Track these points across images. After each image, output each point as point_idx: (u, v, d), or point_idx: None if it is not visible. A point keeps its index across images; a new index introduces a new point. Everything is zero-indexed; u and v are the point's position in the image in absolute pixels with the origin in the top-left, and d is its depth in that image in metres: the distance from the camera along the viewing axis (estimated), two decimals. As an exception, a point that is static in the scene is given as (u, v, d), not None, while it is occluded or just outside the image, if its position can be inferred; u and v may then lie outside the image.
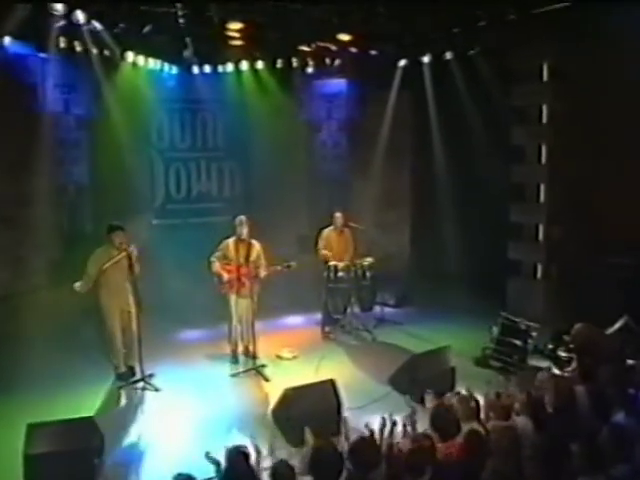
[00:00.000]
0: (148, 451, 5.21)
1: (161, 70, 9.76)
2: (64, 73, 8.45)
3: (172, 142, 10.55)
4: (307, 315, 8.44)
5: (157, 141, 10.45)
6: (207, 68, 9.99)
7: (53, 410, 5.57)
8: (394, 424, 4.91)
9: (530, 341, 6.64)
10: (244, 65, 9.90)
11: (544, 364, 6.64)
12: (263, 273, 6.83)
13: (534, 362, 6.77)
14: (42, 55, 8.06)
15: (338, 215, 7.89)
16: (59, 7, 6.83)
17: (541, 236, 8.47)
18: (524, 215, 8.54)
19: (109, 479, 4.80)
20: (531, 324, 6.78)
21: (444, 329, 7.98)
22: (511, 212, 8.60)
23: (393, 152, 9.85)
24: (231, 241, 6.94)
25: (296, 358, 7.18)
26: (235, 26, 7.78)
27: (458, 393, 5.83)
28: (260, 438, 4.96)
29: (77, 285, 6.11)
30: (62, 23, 7.33)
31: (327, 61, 9.51)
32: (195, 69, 9.95)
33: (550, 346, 6.65)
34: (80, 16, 7.10)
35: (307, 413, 5.14)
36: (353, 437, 4.55)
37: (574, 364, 6.09)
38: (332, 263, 7.59)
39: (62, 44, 7.95)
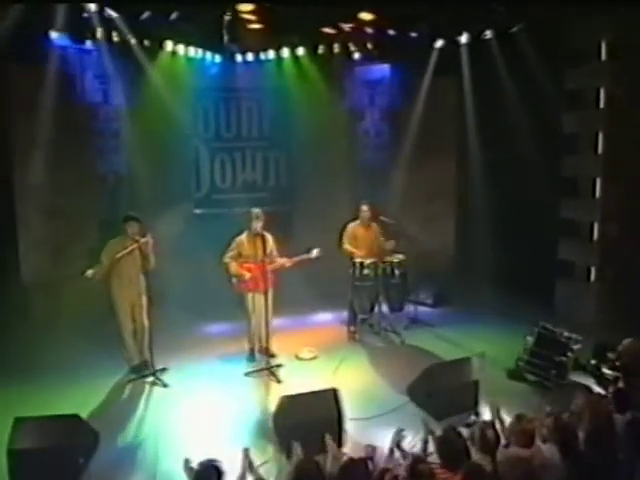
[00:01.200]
0: (141, 450, 4.98)
1: (203, 59, 9.49)
2: (103, 64, 8.34)
3: (218, 132, 10.28)
4: (337, 312, 7.96)
5: (203, 131, 10.21)
6: (250, 56, 9.63)
7: (59, 400, 5.60)
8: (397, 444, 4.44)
9: (570, 355, 5.81)
10: (285, 52, 9.47)
11: (588, 381, 5.88)
12: (288, 264, 6.49)
13: (576, 378, 5.99)
14: (80, 46, 7.99)
15: (365, 208, 7.30)
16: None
17: (596, 235, 7.51)
18: (577, 212, 7.61)
19: (97, 478, 4.59)
20: (573, 336, 5.96)
21: (480, 334, 7.29)
22: (562, 208, 7.69)
23: (437, 141, 9.10)
24: (245, 237, 6.60)
25: (315, 359, 6.75)
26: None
27: (477, 414, 5.26)
28: (257, 446, 4.69)
29: (89, 272, 5.93)
30: (100, 15, 7.25)
31: (368, 46, 8.90)
32: (238, 57, 9.62)
33: (593, 362, 5.81)
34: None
35: (304, 423, 4.73)
36: (344, 457, 4.15)
37: (620, 385, 5.30)
38: (358, 260, 7.04)
39: (99, 35, 7.85)
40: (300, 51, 9.38)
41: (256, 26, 8.06)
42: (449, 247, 9.52)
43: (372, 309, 7.22)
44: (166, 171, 9.10)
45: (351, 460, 3.93)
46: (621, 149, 6.98)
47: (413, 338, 7.31)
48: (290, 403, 4.90)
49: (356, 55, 9.16)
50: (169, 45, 8.74)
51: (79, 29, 7.65)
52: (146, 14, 7.52)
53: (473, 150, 8.64)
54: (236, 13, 7.61)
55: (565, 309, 7.68)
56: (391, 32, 7.85)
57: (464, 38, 7.96)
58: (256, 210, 6.60)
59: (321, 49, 9.21)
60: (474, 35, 7.72)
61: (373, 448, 4.25)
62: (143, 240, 6.08)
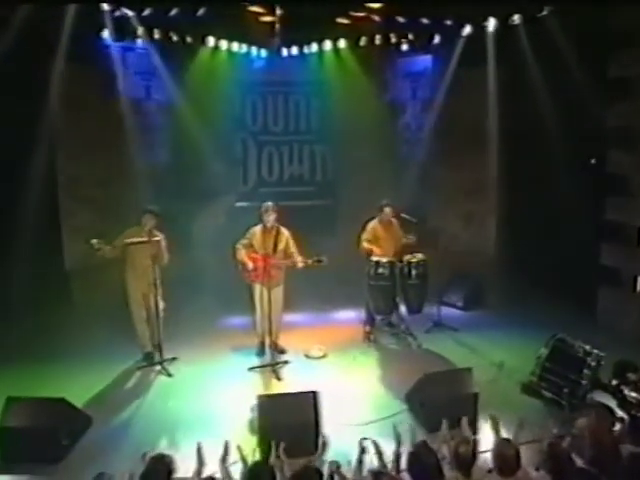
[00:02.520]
0: (132, 434, 5.08)
1: (248, 54, 9.46)
2: (146, 61, 8.55)
3: (265, 125, 10.26)
4: (359, 311, 7.62)
5: (251, 124, 10.22)
6: (294, 50, 9.49)
7: (69, 380, 5.86)
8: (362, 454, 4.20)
9: (587, 372, 5.18)
10: (328, 45, 9.23)
11: (612, 403, 5.23)
12: (300, 264, 6.32)
13: (600, 398, 5.34)
14: (123, 44, 8.20)
15: (387, 210, 7.01)
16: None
17: (643, 241, 6.69)
18: (624, 213, 6.81)
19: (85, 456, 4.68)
20: (594, 351, 5.33)
21: (508, 341, 6.80)
22: (607, 209, 6.91)
23: (479, 135, 8.51)
24: (258, 229, 6.51)
25: (324, 357, 6.54)
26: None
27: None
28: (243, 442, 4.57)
29: (94, 240, 6.03)
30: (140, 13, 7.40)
31: (409, 37, 8.45)
32: (284, 51, 9.50)
33: (614, 382, 5.14)
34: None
35: (279, 425, 4.58)
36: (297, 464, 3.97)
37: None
38: (374, 258, 6.73)
39: (141, 32, 8.02)
40: (342, 44, 9.12)
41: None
42: (489, 247, 8.90)
43: (389, 310, 6.83)
44: (209, 164, 9.18)
45: (305, 467, 3.75)
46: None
47: (432, 342, 6.91)
48: (267, 403, 4.73)
49: (398, 46, 8.73)
50: (211, 41, 8.79)
51: (122, 28, 7.82)
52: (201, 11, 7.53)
53: (517, 143, 7.93)
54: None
55: (607, 319, 6.94)
56: (425, 20, 7.33)
57: (491, 25, 7.20)
58: (267, 203, 6.48)
59: (363, 40, 8.90)
60: (502, 21, 7.01)
61: (337, 466, 4.01)
62: (155, 239, 6.14)
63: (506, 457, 3.71)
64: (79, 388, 5.72)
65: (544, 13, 6.37)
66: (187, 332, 7.10)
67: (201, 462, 4.07)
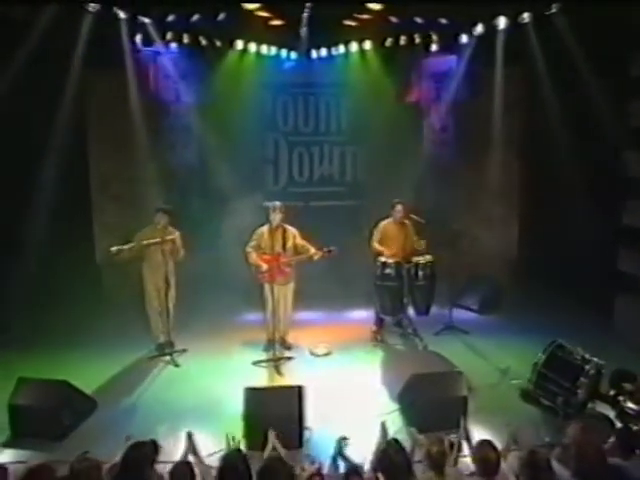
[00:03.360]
0: (134, 418, 5.43)
1: (278, 56, 9.72)
2: (175, 64, 8.97)
3: (296, 126, 10.49)
4: (371, 311, 7.74)
5: (282, 125, 10.48)
6: (323, 52, 9.68)
7: (83, 367, 6.28)
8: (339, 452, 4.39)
9: (583, 381, 5.09)
10: (354, 47, 9.37)
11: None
12: (316, 256, 6.55)
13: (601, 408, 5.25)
14: (153, 49, 8.63)
15: (399, 208, 7.05)
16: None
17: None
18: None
19: (85, 439, 5.04)
20: (594, 359, 5.22)
21: (515, 347, 6.72)
22: (624, 213, 6.70)
23: (502, 136, 8.40)
24: (265, 229, 6.74)
25: (329, 355, 6.70)
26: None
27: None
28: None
29: (113, 248, 6.43)
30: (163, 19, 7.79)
31: (433, 37, 8.46)
32: (314, 53, 9.71)
33: (612, 392, 5.05)
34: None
35: (265, 417, 4.79)
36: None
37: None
38: (382, 259, 6.81)
39: (170, 37, 8.42)
40: (367, 45, 9.23)
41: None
42: (511, 251, 8.76)
43: (396, 311, 6.90)
44: (238, 164, 9.47)
45: (274, 458, 3.94)
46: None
47: (440, 344, 6.92)
48: (253, 395, 4.95)
49: (422, 47, 8.75)
50: (239, 44, 9.10)
51: (151, 33, 8.23)
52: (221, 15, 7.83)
53: (537, 146, 7.81)
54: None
55: (624, 326, 6.75)
56: (443, 21, 7.35)
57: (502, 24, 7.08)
58: (275, 203, 6.69)
59: (388, 42, 8.98)
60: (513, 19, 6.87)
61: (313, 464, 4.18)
62: (168, 237, 6.47)
63: (487, 459, 3.77)
64: (93, 373, 6.18)
65: (553, 11, 6.23)
66: (202, 326, 7.46)
67: (189, 448, 4.36)
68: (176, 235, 6.70)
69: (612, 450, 4.06)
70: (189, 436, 4.44)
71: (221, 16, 7.54)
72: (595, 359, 5.24)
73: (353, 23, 7.74)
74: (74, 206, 8.22)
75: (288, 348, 6.83)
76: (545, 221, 8.04)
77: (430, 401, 5.03)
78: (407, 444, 4.10)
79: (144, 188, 8.86)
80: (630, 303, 6.83)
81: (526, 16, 6.70)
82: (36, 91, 7.00)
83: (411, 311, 7.09)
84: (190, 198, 9.66)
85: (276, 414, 4.81)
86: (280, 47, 9.55)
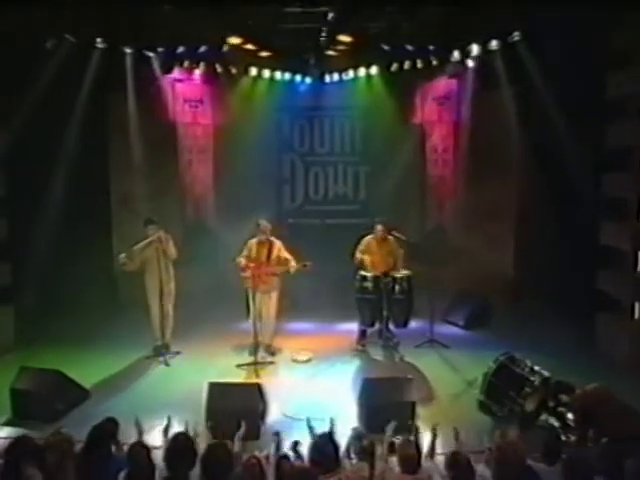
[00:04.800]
0: (120, 410, 5.95)
1: (292, 81, 10.49)
2: (193, 90, 9.96)
3: (312, 147, 11.23)
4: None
5: (299, 146, 11.24)
6: (335, 77, 10.40)
7: (87, 364, 7.14)
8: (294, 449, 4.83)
9: (528, 390, 5.44)
10: (362, 72, 10.04)
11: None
12: (292, 269, 7.24)
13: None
14: (173, 76, 9.61)
15: (379, 227, 7.61)
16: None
17: (640, 266, 6.68)
18: (618, 238, 6.84)
19: (74, 424, 5.80)
20: (540, 371, 5.55)
21: (490, 361, 6.95)
22: (601, 233, 6.98)
23: (499, 157, 8.79)
24: (254, 242, 7.45)
25: (309, 362, 7.27)
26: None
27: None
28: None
29: (121, 256, 7.33)
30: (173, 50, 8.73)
31: (433, 62, 9.01)
32: (327, 78, 10.45)
33: (551, 403, 5.37)
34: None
35: (226, 410, 5.38)
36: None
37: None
38: (362, 272, 7.37)
39: (187, 64, 9.35)
40: (374, 70, 9.87)
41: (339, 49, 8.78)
42: (508, 269, 9.06)
43: (373, 322, 7.42)
44: (253, 183, 10.26)
45: (216, 444, 4.49)
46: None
47: (417, 356, 7.36)
48: (216, 389, 5.59)
49: (424, 71, 9.31)
50: (253, 71, 9.95)
51: (169, 60, 9.18)
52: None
53: (534, 166, 8.18)
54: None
55: (603, 345, 7.01)
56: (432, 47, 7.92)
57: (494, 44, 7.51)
58: (263, 222, 7.40)
59: (394, 67, 9.58)
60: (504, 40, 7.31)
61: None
62: (155, 235, 7.34)
63: (408, 456, 4.25)
64: (94, 369, 7.03)
65: (516, 39, 6.68)
66: (200, 332, 8.21)
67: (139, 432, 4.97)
68: (161, 233, 7.41)
69: (541, 457, 4.42)
70: (136, 422, 4.99)
71: (225, 47, 8.38)
72: (542, 371, 5.56)
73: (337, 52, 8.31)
74: (96, 219, 9.24)
75: (272, 353, 7.47)
76: (538, 241, 8.33)
77: (379, 404, 5.49)
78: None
79: (160, 203, 9.77)
80: (608, 323, 7.05)
81: (494, 44, 7.16)
82: (63, 113, 8.09)
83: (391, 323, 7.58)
84: (203, 213, 10.58)
85: (236, 407, 5.42)
86: (294, 73, 10.36)
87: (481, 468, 4.25)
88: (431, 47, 8.04)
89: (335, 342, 7.92)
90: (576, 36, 6.49)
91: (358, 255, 7.57)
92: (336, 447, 4.36)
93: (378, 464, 4.40)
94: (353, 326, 8.34)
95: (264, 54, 8.63)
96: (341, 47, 8.19)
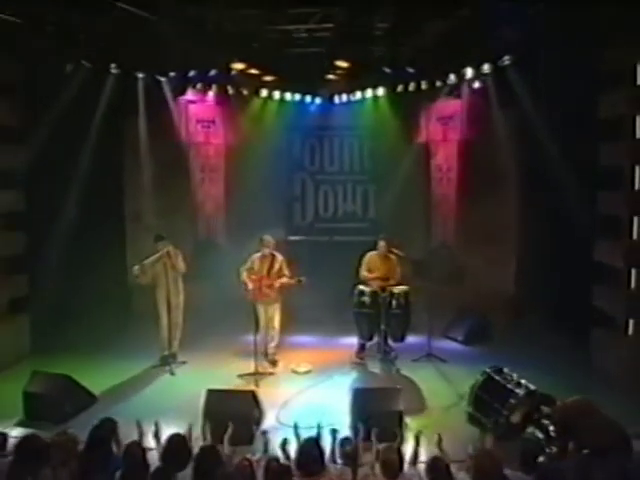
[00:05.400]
0: (125, 414, 6.28)
1: (302, 101, 10.91)
2: (205, 111, 10.45)
3: (322, 166, 11.61)
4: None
5: (309, 165, 11.64)
6: (344, 97, 10.81)
7: (99, 372, 7.59)
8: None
9: (512, 401, 5.65)
10: (369, 93, 10.41)
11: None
12: (278, 283, 7.68)
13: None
14: (186, 97, 10.12)
15: (382, 243, 7.97)
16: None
17: (633, 283, 6.86)
18: (612, 255, 7.05)
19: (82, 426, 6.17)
20: (525, 384, 5.77)
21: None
22: (595, 250, 7.19)
23: (500, 176, 9.09)
24: (257, 256, 7.85)
25: (308, 373, 7.58)
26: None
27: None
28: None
29: (135, 268, 7.83)
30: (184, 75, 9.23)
31: (437, 84, 9.36)
32: (336, 99, 10.87)
33: (535, 416, 5.56)
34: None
35: (221, 415, 5.69)
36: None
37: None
38: (360, 287, 7.69)
39: (199, 87, 9.85)
40: (380, 92, 10.25)
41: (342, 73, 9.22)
42: (509, 287, 9.29)
43: (370, 336, 7.73)
44: (263, 201, 10.65)
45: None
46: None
47: (414, 370, 7.62)
48: (214, 396, 5.93)
49: (429, 92, 9.66)
50: (264, 92, 10.41)
51: (181, 84, 9.69)
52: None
53: (528, 186, 8.45)
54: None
55: (598, 360, 7.18)
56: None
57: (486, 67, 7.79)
58: (267, 238, 7.80)
59: (399, 88, 9.95)
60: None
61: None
62: (164, 250, 7.78)
63: (389, 461, 4.53)
64: (104, 376, 7.47)
65: (506, 62, 7.01)
66: (208, 344, 8.61)
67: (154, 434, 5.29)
68: (170, 248, 7.84)
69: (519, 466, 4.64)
70: (138, 424, 5.34)
71: (233, 71, 8.85)
72: (528, 384, 5.77)
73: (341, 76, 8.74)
74: (110, 234, 9.74)
75: (274, 363, 7.83)
76: (538, 259, 8.56)
77: (368, 413, 5.76)
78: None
79: (172, 220, 10.24)
80: (603, 338, 7.23)
81: (486, 67, 7.51)
82: (80, 133, 8.64)
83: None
84: (213, 229, 11.02)
85: (231, 413, 5.74)
86: (304, 94, 10.80)
87: (462, 476, 4.49)
88: (429, 69, 8.35)
89: (336, 355, 8.23)
90: (567, 58, 6.80)
91: (364, 274, 7.95)
92: (321, 451, 4.63)
93: (362, 469, 4.68)
94: (354, 340, 8.71)
95: (269, 78, 9.02)
96: (344, 71, 8.54)
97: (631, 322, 6.91)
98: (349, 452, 4.68)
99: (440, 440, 5.07)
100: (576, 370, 7.26)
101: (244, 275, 7.81)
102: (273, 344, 7.94)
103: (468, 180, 9.60)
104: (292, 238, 11.30)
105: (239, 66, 8.23)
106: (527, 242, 8.86)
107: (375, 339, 7.85)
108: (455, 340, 8.52)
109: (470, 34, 6.38)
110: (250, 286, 7.71)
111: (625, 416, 5.55)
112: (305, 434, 4.93)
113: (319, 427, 5.14)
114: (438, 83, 9.28)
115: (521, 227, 9.01)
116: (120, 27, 6.21)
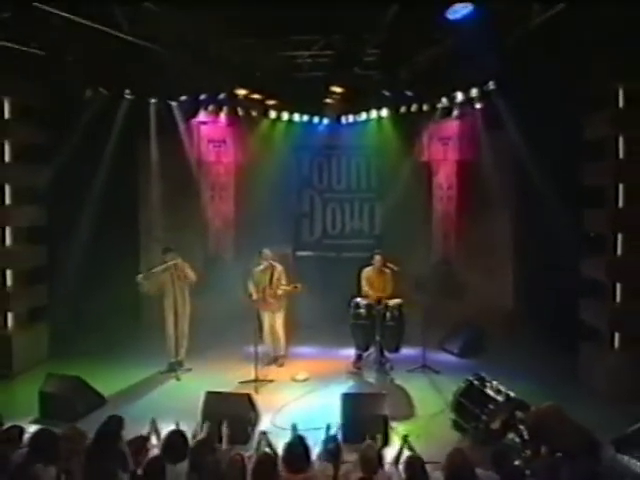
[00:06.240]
0: (132, 415, 6.78)
1: (310, 122, 11.48)
2: (216, 131, 11.12)
3: (330, 184, 12.15)
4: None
5: (317, 183, 12.19)
6: (351, 118, 11.36)
7: (110, 376, 8.17)
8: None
9: (491, 407, 6.06)
10: (374, 114, 10.96)
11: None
12: (279, 292, 8.31)
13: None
14: (198, 119, 10.79)
15: (377, 258, 8.52)
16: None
17: (618, 297, 7.24)
18: (596, 270, 7.44)
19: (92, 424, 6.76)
20: (505, 391, 6.17)
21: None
22: (581, 266, 7.59)
23: (497, 195, 9.54)
24: (258, 270, 8.55)
25: (306, 381, 8.07)
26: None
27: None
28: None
29: (139, 276, 8.45)
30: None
31: (438, 106, 9.86)
32: (343, 119, 11.43)
33: (512, 421, 5.96)
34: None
35: (219, 416, 6.20)
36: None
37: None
38: (356, 300, 8.19)
39: (211, 109, 10.50)
40: (384, 112, 10.79)
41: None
42: (507, 301, 9.69)
43: (366, 346, 8.22)
44: (272, 218, 11.18)
45: (199, 442, 5.29)
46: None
47: (407, 380, 8.05)
48: (212, 398, 6.45)
49: (430, 113, 10.18)
50: (272, 113, 11.02)
51: (192, 107, 10.35)
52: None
53: (522, 204, 8.90)
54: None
55: (585, 373, 7.54)
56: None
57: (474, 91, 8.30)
58: (265, 251, 8.38)
59: (402, 109, 10.49)
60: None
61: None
62: (172, 262, 8.32)
63: (368, 458, 4.98)
64: (114, 380, 8.08)
65: (491, 87, 7.53)
66: (215, 352, 9.19)
67: (151, 432, 5.82)
68: (178, 260, 8.43)
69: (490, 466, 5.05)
70: (153, 422, 5.91)
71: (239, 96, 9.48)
72: (507, 391, 6.17)
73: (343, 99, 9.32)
74: (124, 248, 10.40)
75: (281, 365, 8.66)
76: (534, 274, 8.97)
77: (356, 416, 6.22)
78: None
79: (183, 234, 10.84)
80: (590, 351, 7.58)
81: (474, 92, 8.02)
82: (98, 153, 9.37)
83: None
84: (223, 245, 11.61)
85: (228, 414, 6.24)
86: (312, 115, 11.38)
87: (437, 475, 4.91)
88: (424, 93, 8.90)
89: (334, 365, 8.71)
90: (551, 83, 7.28)
91: (365, 289, 8.49)
92: (306, 449, 5.08)
93: (344, 466, 5.12)
94: (353, 351, 9.19)
95: (272, 102, 9.64)
96: (338, 96, 9.10)
97: (617, 335, 7.24)
98: (331, 449, 5.13)
99: (407, 440, 5.43)
100: (563, 383, 7.59)
101: (251, 287, 8.41)
102: (280, 347, 8.65)
103: (467, 198, 10.08)
104: (300, 254, 11.84)
105: (242, 92, 8.84)
106: (523, 258, 9.26)
107: (371, 350, 8.29)
108: (451, 353, 8.92)
109: (456, 60, 6.90)
110: (255, 297, 8.32)
111: (607, 425, 5.97)
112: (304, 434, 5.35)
113: (328, 427, 5.56)
114: (439, 105, 9.83)
115: (517, 244, 9.41)
116: (128, 56, 6.88)
